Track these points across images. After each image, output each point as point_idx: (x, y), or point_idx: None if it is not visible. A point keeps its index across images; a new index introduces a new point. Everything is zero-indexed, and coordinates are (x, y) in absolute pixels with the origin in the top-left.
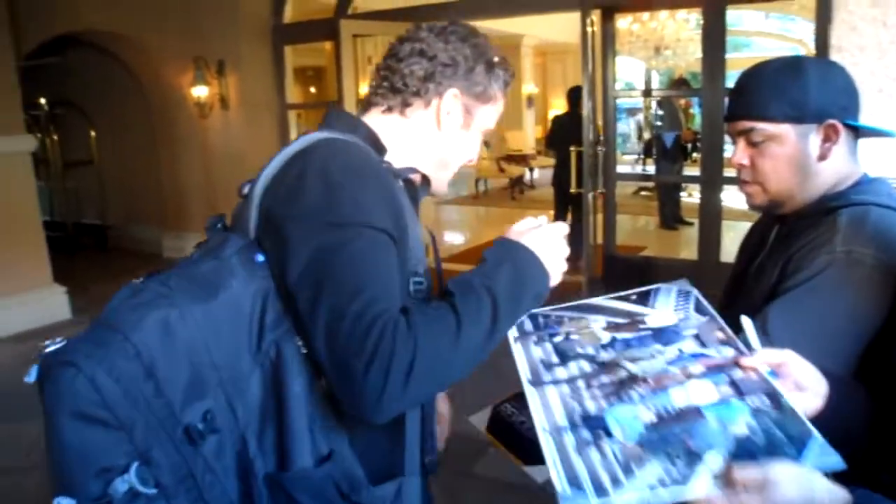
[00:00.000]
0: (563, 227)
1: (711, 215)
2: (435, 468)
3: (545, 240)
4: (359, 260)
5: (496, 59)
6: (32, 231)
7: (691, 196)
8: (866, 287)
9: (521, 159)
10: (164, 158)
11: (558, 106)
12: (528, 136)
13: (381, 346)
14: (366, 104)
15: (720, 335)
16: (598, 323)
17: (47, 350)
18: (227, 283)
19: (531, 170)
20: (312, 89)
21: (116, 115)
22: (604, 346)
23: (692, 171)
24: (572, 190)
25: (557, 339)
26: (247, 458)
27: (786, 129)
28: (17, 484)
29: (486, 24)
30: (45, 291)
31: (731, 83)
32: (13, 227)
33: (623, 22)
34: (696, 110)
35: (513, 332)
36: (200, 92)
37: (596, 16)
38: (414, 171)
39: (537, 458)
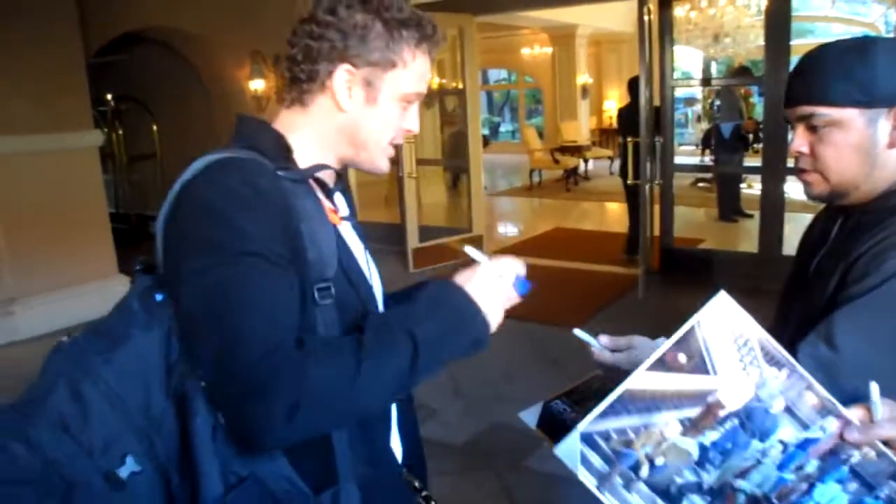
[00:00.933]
0: (505, 266)
1: (773, 207)
2: (392, 478)
3: (485, 282)
4: (241, 292)
5: (399, 16)
6: (99, 223)
7: (751, 188)
8: None
9: (575, 150)
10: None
11: (612, 97)
12: (583, 126)
13: (267, 382)
14: (276, 105)
15: (813, 400)
16: (671, 427)
17: None
18: (129, 332)
19: (585, 161)
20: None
21: (178, 110)
22: (700, 464)
23: (753, 161)
24: (629, 181)
25: (643, 471)
26: (171, 491)
27: (850, 114)
28: None
29: (539, 15)
30: (111, 281)
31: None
32: (81, 218)
33: (681, 10)
34: (756, 99)
35: (589, 479)
36: (258, 85)
37: (653, 3)
38: (322, 167)
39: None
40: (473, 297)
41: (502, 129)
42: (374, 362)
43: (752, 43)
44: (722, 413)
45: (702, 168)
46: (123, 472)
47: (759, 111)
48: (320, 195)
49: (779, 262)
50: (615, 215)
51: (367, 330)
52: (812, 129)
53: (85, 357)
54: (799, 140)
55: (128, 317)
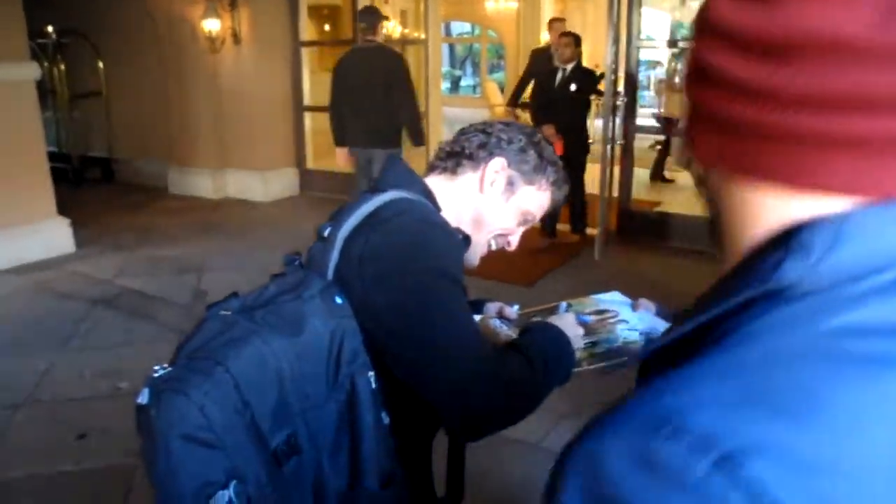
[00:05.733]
0: (574, 318)
1: None
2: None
3: (571, 326)
4: (454, 304)
5: (550, 157)
6: (36, 161)
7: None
8: None
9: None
10: (174, 93)
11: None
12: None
13: (486, 378)
14: (426, 171)
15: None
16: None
17: (155, 375)
18: (310, 322)
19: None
20: (327, 27)
21: (126, 47)
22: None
23: None
24: (591, 141)
25: None
26: (321, 476)
27: None
28: (8, 418)
29: None
30: (48, 223)
31: None
32: (16, 156)
33: None
34: None
35: None
36: (212, 26)
37: None
38: (460, 231)
39: None
40: (567, 334)
41: (463, 83)
42: (534, 373)
43: None
44: (612, 320)
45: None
46: (288, 450)
47: None
48: None
49: None
50: None
51: (521, 346)
52: None
53: (270, 334)
54: None
55: (310, 308)
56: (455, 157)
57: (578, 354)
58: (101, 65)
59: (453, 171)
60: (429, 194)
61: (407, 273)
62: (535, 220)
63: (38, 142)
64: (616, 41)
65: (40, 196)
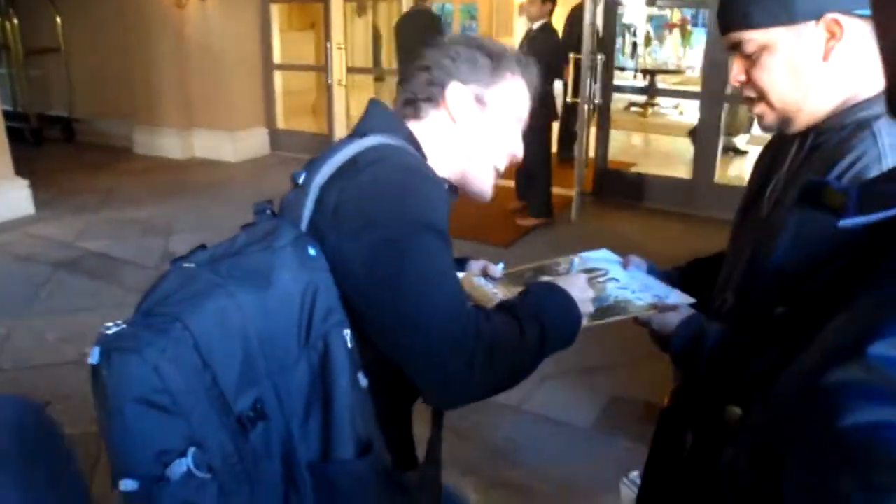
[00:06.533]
0: (586, 279)
1: (708, 133)
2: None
3: (578, 287)
4: (434, 258)
5: (498, 50)
6: None
7: (682, 114)
8: None
9: None
10: (136, 49)
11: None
12: (517, 44)
13: (466, 340)
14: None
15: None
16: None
17: (107, 333)
18: (280, 275)
19: None
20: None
21: (85, 1)
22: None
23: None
24: (569, 99)
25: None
26: (291, 445)
27: (776, 34)
28: None
29: None
30: (5, 184)
31: None
32: None
33: None
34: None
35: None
36: None
37: None
38: (447, 181)
39: None
40: (572, 296)
41: None
42: (526, 337)
43: None
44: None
45: (642, 91)
46: (254, 416)
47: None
48: None
49: (711, 189)
50: None
51: (515, 306)
52: (746, 56)
53: (235, 288)
54: (735, 69)
55: (279, 260)
56: (412, 104)
57: (585, 321)
58: (58, 19)
59: (417, 115)
60: (413, 140)
61: (383, 227)
62: (527, 112)
63: None
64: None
65: None
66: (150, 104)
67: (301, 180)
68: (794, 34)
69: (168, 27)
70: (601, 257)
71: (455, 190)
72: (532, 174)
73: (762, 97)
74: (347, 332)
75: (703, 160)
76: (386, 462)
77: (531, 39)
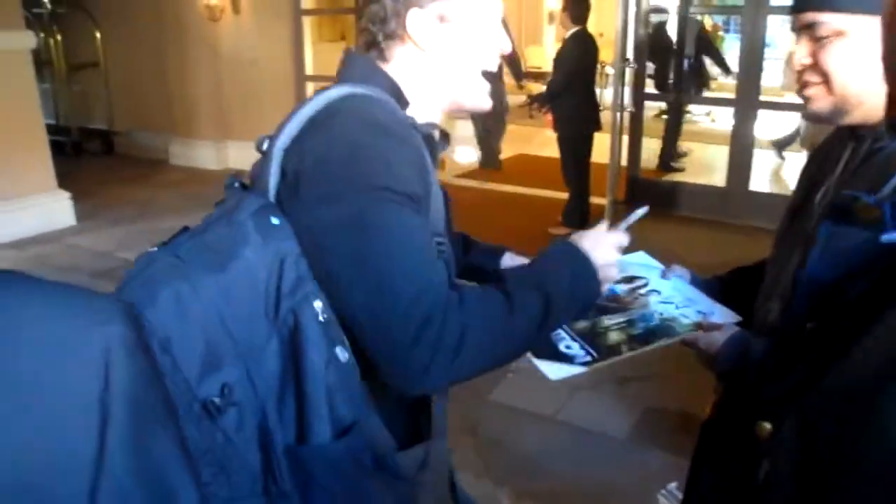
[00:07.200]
0: (620, 238)
1: (743, 141)
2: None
3: (606, 254)
4: (396, 228)
5: None
6: (34, 133)
7: (714, 122)
8: None
9: (539, 76)
10: (173, 63)
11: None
12: (548, 52)
13: (430, 319)
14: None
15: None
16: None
17: None
18: (240, 251)
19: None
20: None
21: (123, 17)
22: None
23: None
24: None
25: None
26: (267, 430)
27: (855, 21)
28: None
29: None
30: (48, 197)
31: (776, 1)
32: (13, 128)
33: None
34: (731, 35)
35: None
36: None
37: None
38: (434, 126)
39: (551, 352)
40: (592, 260)
41: None
42: (519, 312)
43: None
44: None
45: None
46: (221, 402)
47: (726, 47)
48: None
49: (747, 197)
50: None
51: (507, 282)
52: (816, 38)
53: (193, 270)
54: (802, 51)
55: (240, 234)
56: (375, 46)
57: (607, 321)
58: (98, 35)
59: (385, 58)
60: (394, 87)
61: (338, 199)
62: (498, 6)
63: (35, 113)
64: (626, 6)
65: (39, 169)
66: (186, 116)
67: (265, 147)
68: (873, 24)
69: (203, 41)
70: (641, 262)
71: (445, 136)
72: (566, 182)
73: (824, 81)
74: (319, 305)
75: (738, 168)
76: (378, 443)
77: (561, 47)
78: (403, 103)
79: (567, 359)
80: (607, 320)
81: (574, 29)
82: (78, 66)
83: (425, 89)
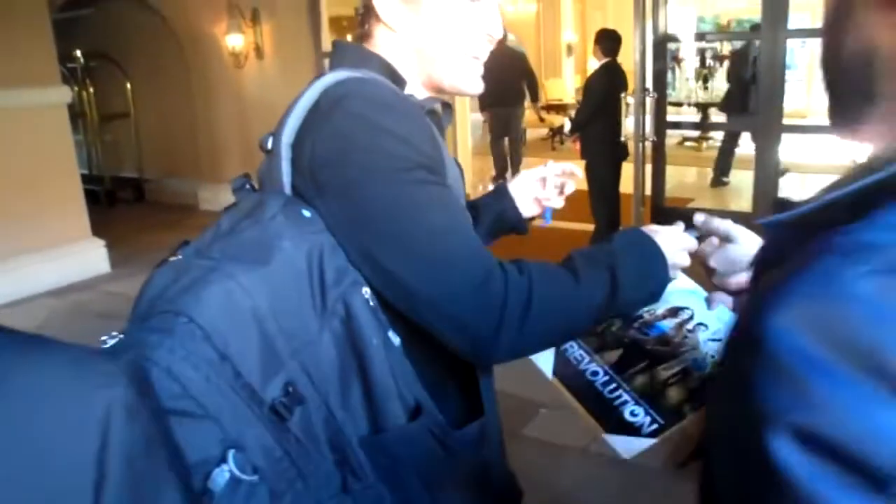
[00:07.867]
0: (692, 241)
1: (768, 166)
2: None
3: (676, 244)
4: (436, 201)
5: None
6: (70, 184)
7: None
8: None
9: (560, 108)
10: (200, 110)
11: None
12: (568, 84)
13: (489, 280)
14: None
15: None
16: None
17: (104, 347)
18: (279, 244)
19: (571, 119)
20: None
21: (152, 67)
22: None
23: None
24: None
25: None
26: (335, 425)
27: None
28: None
29: None
30: (83, 245)
31: (794, 24)
32: (51, 179)
33: None
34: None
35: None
36: (235, 41)
37: None
38: (436, 101)
39: (615, 421)
40: (663, 250)
41: None
42: (586, 286)
43: None
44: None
45: (696, 125)
46: (289, 402)
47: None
48: None
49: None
50: None
51: (574, 258)
52: None
53: (234, 268)
54: None
55: (274, 229)
56: (361, 26)
57: (663, 373)
58: (128, 86)
59: (372, 42)
60: (388, 68)
61: (370, 178)
62: None
63: (71, 164)
64: (643, 36)
65: (75, 218)
66: (213, 162)
67: (269, 145)
68: None
69: (228, 88)
70: (683, 289)
71: (448, 106)
72: (593, 212)
73: None
74: (367, 291)
75: (763, 193)
76: (440, 423)
77: (590, 76)
78: (401, 83)
79: (634, 430)
80: (663, 372)
81: (605, 60)
82: (110, 116)
83: (407, 70)
